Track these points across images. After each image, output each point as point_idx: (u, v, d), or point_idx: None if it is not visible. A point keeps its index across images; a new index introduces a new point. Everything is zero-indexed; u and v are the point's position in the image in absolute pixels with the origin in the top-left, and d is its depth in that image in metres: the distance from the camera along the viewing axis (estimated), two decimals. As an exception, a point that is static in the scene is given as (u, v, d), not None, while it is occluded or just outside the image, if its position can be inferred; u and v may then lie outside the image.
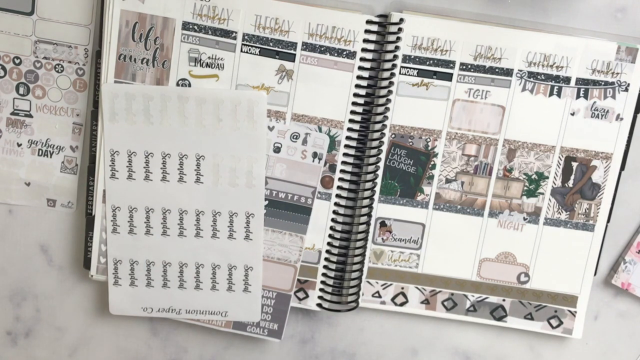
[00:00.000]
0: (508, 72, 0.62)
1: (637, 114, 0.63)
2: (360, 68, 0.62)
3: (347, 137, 0.63)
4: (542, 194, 0.64)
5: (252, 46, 0.61)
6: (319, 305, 0.66)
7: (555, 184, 0.64)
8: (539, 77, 0.62)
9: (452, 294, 0.66)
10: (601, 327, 0.68)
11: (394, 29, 0.61)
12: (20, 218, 0.67)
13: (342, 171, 0.64)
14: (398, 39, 0.61)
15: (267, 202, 0.64)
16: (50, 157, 0.65)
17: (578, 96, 0.62)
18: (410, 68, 0.62)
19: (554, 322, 0.66)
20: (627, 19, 0.62)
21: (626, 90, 0.62)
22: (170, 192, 0.63)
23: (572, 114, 0.63)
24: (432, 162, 0.64)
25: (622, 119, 0.63)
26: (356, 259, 0.65)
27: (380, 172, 0.64)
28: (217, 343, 0.69)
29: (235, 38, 0.61)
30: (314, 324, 0.68)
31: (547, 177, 0.64)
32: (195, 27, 0.61)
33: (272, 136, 0.63)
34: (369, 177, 0.64)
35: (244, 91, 0.62)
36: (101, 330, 0.69)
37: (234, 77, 0.62)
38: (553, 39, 0.61)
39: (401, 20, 0.61)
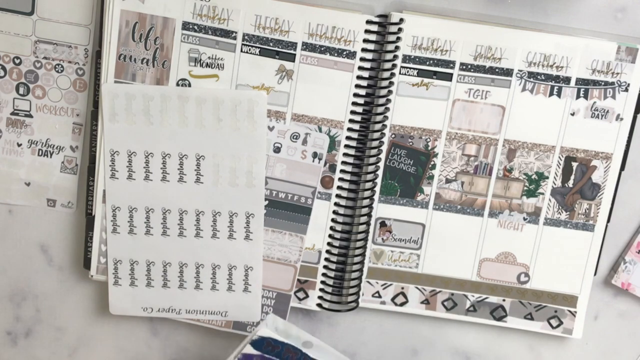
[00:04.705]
0: (508, 72, 0.62)
1: (637, 114, 0.63)
2: (360, 68, 0.62)
3: (347, 137, 0.63)
4: (542, 194, 0.64)
5: (252, 46, 0.61)
6: (319, 305, 0.66)
7: (555, 184, 0.64)
8: (539, 77, 0.62)
9: (452, 294, 0.66)
10: (601, 327, 0.68)
11: (394, 29, 0.61)
12: (20, 218, 0.67)
13: (342, 171, 0.64)
14: (398, 39, 0.61)
15: (267, 202, 0.64)
16: (50, 157, 0.65)
17: (578, 96, 0.62)
18: (410, 68, 0.62)
19: (554, 322, 0.66)
20: (627, 19, 0.62)
21: (626, 90, 0.62)
22: (170, 192, 0.63)
23: (572, 114, 0.63)
24: (432, 162, 0.64)
25: (622, 119, 0.63)
26: (356, 259, 0.65)
27: (380, 172, 0.64)
28: (217, 343, 0.69)
29: (235, 38, 0.61)
30: (314, 324, 0.68)
31: (547, 177, 0.64)
32: (195, 27, 0.61)
33: (272, 136, 0.63)
34: (369, 177, 0.64)
35: (244, 91, 0.62)
36: (101, 330, 0.69)
37: (234, 77, 0.62)
38: (553, 39, 0.61)
39: (401, 20, 0.61)
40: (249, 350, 0.59)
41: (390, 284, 0.66)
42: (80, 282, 0.68)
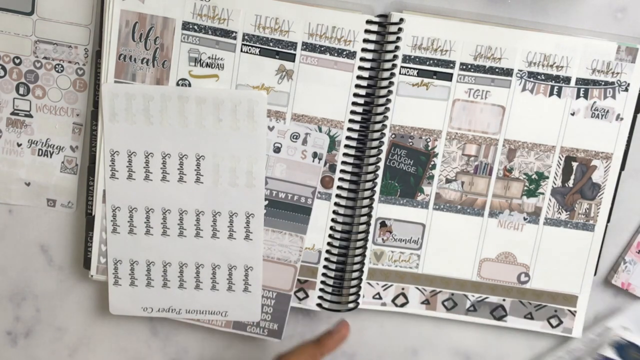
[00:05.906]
0: (508, 72, 0.62)
1: (637, 114, 0.63)
2: (360, 68, 0.62)
3: (347, 137, 0.63)
4: (542, 194, 0.64)
5: (252, 46, 0.61)
6: (319, 305, 0.66)
7: (555, 184, 0.64)
8: (539, 77, 0.62)
9: (453, 294, 0.66)
10: (601, 327, 0.68)
11: (394, 29, 0.61)
12: (20, 218, 0.67)
13: (342, 171, 0.64)
14: (398, 39, 0.61)
15: (267, 202, 0.64)
16: (50, 157, 0.65)
17: (578, 96, 0.62)
18: (410, 68, 0.62)
19: (553, 322, 0.66)
20: (627, 19, 0.62)
21: (626, 90, 0.62)
22: (170, 192, 0.63)
23: (572, 114, 0.63)
24: (432, 162, 0.64)
25: (622, 119, 0.63)
26: (356, 259, 0.65)
27: (380, 172, 0.64)
28: (217, 343, 0.69)
29: (235, 38, 0.61)
30: (314, 324, 0.68)
31: (547, 177, 0.64)
32: (195, 27, 0.61)
33: (272, 136, 0.63)
34: (369, 177, 0.64)
35: (244, 91, 0.62)
36: (101, 330, 0.69)
37: (234, 77, 0.62)
38: (553, 39, 0.61)
39: (401, 20, 0.61)
40: (610, 354, 0.57)
41: (391, 285, 0.66)
42: (80, 282, 0.68)
